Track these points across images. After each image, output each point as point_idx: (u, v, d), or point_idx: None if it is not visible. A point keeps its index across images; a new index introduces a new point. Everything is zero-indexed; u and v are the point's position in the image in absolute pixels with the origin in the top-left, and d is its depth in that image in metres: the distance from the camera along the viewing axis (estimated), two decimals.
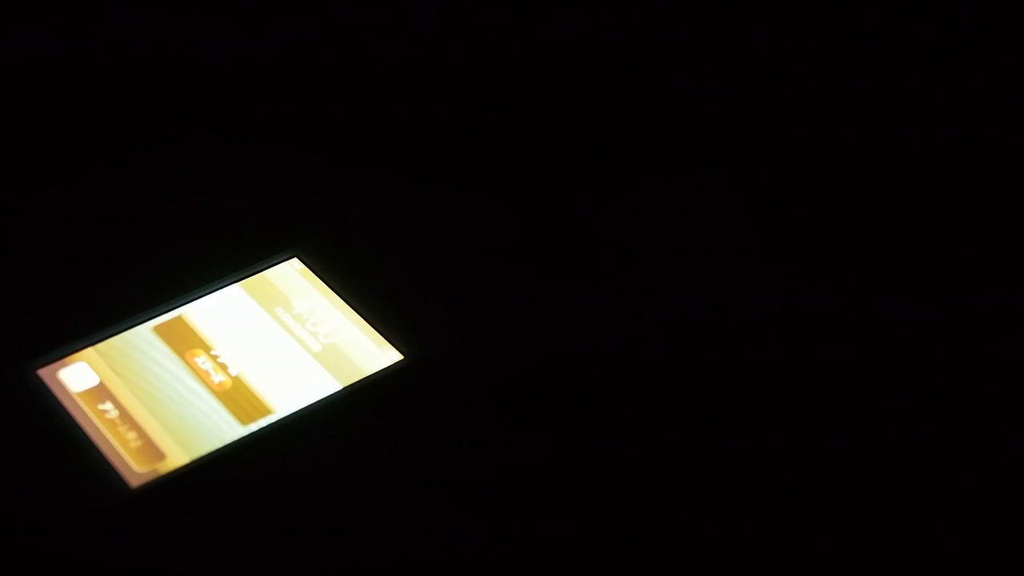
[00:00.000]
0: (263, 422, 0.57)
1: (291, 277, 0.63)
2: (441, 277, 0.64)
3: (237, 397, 0.58)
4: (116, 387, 0.58)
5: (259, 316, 0.61)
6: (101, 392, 0.58)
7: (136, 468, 0.55)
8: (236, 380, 0.58)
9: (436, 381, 0.59)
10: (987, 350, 0.61)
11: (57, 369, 0.58)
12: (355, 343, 0.60)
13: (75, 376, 0.58)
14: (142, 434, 0.56)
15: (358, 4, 0.79)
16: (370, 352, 0.60)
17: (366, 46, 0.77)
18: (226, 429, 0.57)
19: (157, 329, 0.60)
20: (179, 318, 0.61)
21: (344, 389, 0.58)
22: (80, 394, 0.57)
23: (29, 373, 0.58)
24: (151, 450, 0.56)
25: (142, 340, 0.60)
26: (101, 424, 0.56)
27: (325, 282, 0.63)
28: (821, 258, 0.66)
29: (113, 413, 0.57)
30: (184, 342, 0.60)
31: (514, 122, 0.73)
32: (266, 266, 0.63)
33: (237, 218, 0.66)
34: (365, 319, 0.61)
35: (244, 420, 0.57)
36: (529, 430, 0.57)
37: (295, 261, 0.64)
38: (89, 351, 0.59)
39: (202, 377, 0.58)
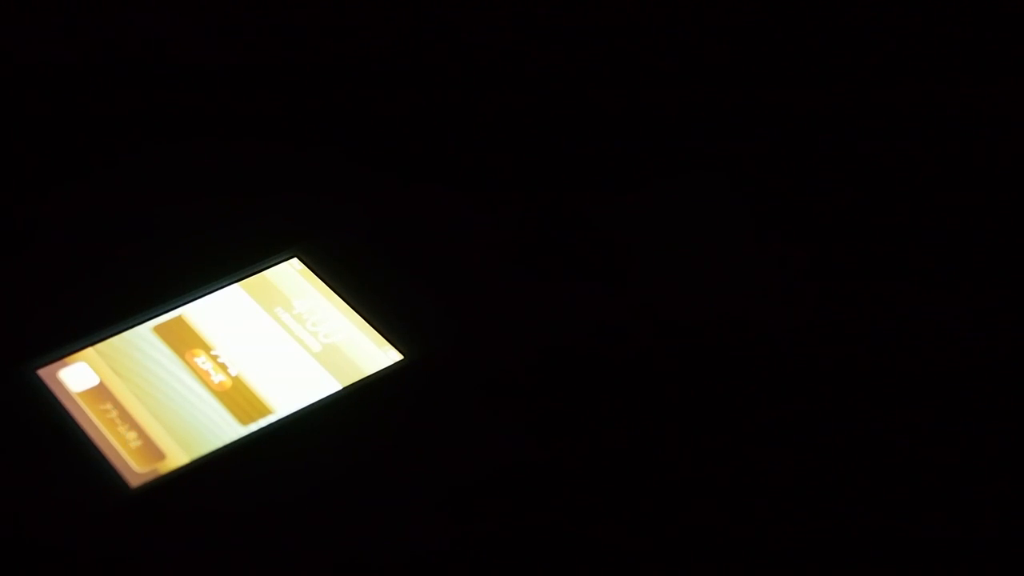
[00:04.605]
0: (263, 422, 0.57)
1: (291, 277, 0.63)
2: (441, 277, 0.64)
3: (237, 397, 0.58)
4: (116, 387, 0.58)
5: (259, 316, 0.61)
6: (101, 392, 0.58)
7: (136, 468, 0.55)
8: (236, 380, 0.58)
9: (436, 381, 0.59)
10: (990, 349, 0.61)
11: (57, 369, 0.58)
12: (355, 343, 0.60)
13: (75, 376, 0.58)
14: (142, 434, 0.56)
15: (360, 4, 0.79)
16: (370, 352, 0.60)
17: (367, 46, 0.77)
18: (226, 429, 0.57)
19: (157, 329, 0.60)
20: (179, 318, 0.61)
21: (344, 389, 0.58)
22: (80, 394, 0.57)
23: (29, 373, 0.58)
24: (151, 450, 0.56)
25: (142, 340, 0.60)
26: (101, 424, 0.56)
27: (325, 282, 0.63)
28: (821, 257, 0.66)
29: (113, 413, 0.57)
30: (184, 342, 0.60)
31: (515, 123, 0.73)
32: (266, 266, 0.63)
33: (237, 218, 0.66)
34: (365, 319, 0.61)
35: (244, 420, 0.57)
36: (529, 430, 0.57)
37: (295, 261, 0.64)
38: (89, 351, 0.59)
39: (202, 377, 0.58)
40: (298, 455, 0.56)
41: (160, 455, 0.55)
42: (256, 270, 0.63)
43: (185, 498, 0.54)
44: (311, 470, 0.55)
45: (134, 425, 0.56)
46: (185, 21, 0.78)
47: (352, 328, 0.61)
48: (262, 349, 0.60)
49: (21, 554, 0.52)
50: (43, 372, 0.58)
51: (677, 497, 0.55)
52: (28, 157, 0.70)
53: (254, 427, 0.57)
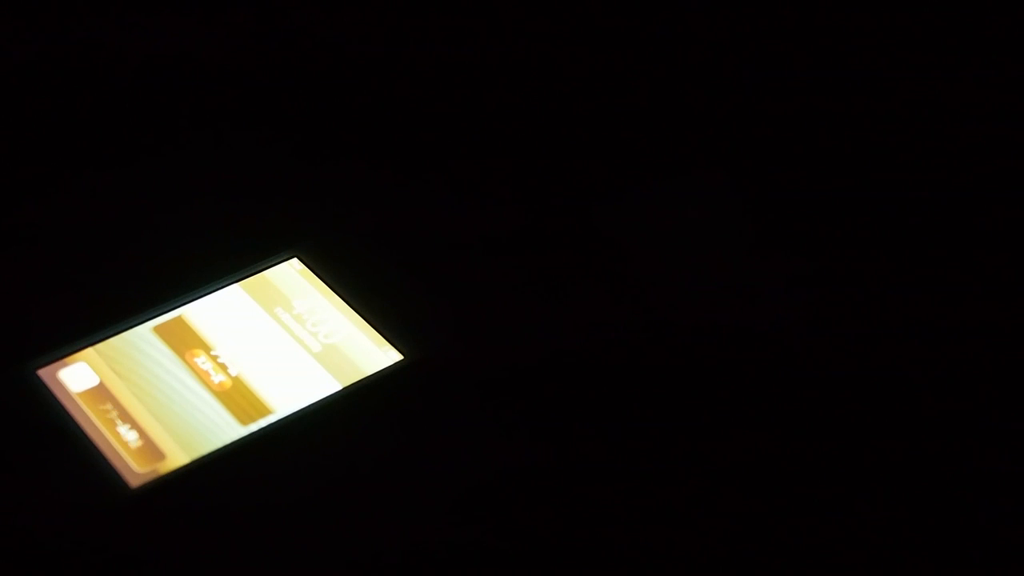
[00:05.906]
0: (263, 422, 0.57)
1: (291, 277, 0.63)
2: (441, 277, 0.64)
3: (237, 397, 0.58)
4: (116, 387, 0.58)
5: (259, 316, 0.61)
6: (101, 392, 0.58)
7: (136, 468, 0.55)
8: (236, 380, 0.58)
9: (436, 381, 0.59)
10: (990, 348, 0.61)
11: (57, 369, 0.58)
12: (355, 343, 0.60)
13: (75, 376, 0.58)
14: (142, 434, 0.56)
15: (360, 4, 0.79)
16: (370, 352, 0.60)
17: (366, 46, 0.77)
18: (226, 429, 0.57)
19: (157, 329, 0.60)
20: (179, 318, 0.61)
21: (344, 389, 0.58)
22: (80, 394, 0.57)
23: (29, 373, 0.58)
24: (151, 450, 0.56)
25: (142, 340, 0.60)
26: (101, 424, 0.56)
27: (325, 282, 0.63)
28: (821, 257, 0.66)
29: (113, 413, 0.57)
30: (184, 342, 0.60)
31: (514, 123, 0.73)
32: (266, 266, 0.63)
33: (237, 218, 0.66)
34: (365, 319, 0.61)
35: (244, 420, 0.57)
36: (529, 430, 0.57)
37: (295, 261, 0.64)
38: (89, 351, 0.59)
39: (202, 377, 0.58)
40: (298, 455, 0.56)
41: (160, 455, 0.55)
42: (256, 270, 0.63)
43: (185, 498, 0.54)
44: (311, 470, 0.55)
45: (134, 425, 0.56)
46: (185, 21, 0.78)
47: (352, 328, 0.61)
48: (262, 349, 0.60)
49: (21, 554, 0.52)
50: (43, 372, 0.58)
51: (677, 498, 0.55)
52: (28, 157, 0.70)
53: (254, 427, 0.57)
